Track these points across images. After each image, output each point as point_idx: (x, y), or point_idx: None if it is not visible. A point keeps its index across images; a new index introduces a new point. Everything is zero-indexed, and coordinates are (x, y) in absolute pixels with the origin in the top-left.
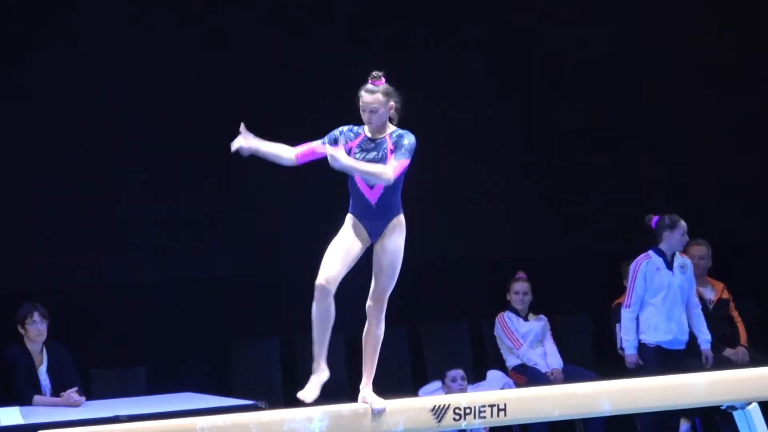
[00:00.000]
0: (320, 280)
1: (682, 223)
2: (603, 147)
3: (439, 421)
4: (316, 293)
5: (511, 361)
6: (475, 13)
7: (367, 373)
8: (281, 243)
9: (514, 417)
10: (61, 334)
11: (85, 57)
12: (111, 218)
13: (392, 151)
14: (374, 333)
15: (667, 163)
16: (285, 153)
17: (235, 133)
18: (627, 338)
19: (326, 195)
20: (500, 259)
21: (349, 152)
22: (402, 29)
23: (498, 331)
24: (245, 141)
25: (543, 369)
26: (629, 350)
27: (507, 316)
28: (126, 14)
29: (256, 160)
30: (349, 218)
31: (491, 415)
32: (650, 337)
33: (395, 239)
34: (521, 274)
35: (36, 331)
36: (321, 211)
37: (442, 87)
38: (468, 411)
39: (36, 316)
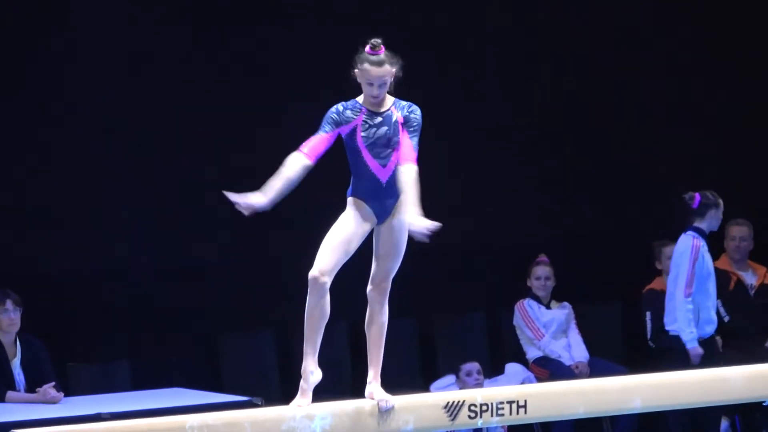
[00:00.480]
0: (314, 271)
1: (721, 201)
2: (631, 125)
3: (453, 419)
4: (310, 286)
5: (532, 353)
6: None
7: (373, 366)
8: (274, 226)
9: (535, 415)
10: (35, 324)
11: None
12: (91, 201)
13: (402, 124)
14: (378, 321)
15: (698, 141)
16: (296, 168)
17: (221, 110)
18: (690, 330)
19: (320, 177)
20: (520, 242)
21: (354, 131)
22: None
23: (517, 320)
24: (255, 203)
25: (567, 362)
26: (692, 343)
27: (527, 303)
28: None
29: (240, 141)
30: (352, 202)
31: (510, 413)
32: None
33: (400, 221)
34: (543, 257)
35: (8, 320)
36: (317, 192)
37: (465, 65)
38: (485, 408)
39: (8, 304)
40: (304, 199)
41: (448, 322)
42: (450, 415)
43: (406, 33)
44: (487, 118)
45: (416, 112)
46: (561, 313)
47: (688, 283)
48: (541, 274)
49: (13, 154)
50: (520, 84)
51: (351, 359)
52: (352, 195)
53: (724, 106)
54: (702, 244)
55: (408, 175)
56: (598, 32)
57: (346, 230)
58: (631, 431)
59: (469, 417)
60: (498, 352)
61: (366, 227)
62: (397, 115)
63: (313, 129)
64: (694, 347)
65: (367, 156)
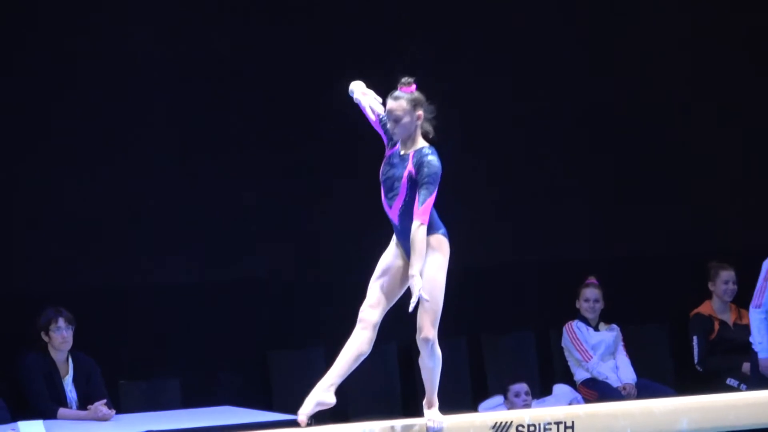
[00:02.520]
0: (362, 307)
1: None
2: (682, 145)
3: None
4: (358, 321)
5: (580, 375)
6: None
7: (426, 393)
8: (324, 242)
9: None
10: (87, 342)
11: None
12: (143, 218)
13: (410, 174)
14: (425, 365)
15: (750, 162)
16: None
17: (268, 127)
18: (759, 341)
19: (370, 191)
20: (570, 263)
21: (380, 173)
22: (458, 16)
23: (566, 341)
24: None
25: (614, 383)
26: (763, 353)
27: (576, 325)
28: None
29: (293, 156)
30: (393, 238)
31: None
32: None
33: (431, 263)
34: (592, 279)
35: (61, 338)
36: (367, 208)
37: (513, 84)
38: (532, 429)
39: (61, 321)
40: (356, 218)
41: (497, 343)
42: None
43: (458, 51)
44: (539, 139)
45: (428, 163)
46: (609, 335)
47: (756, 294)
48: (590, 296)
49: (65, 170)
50: (571, 103)
51: (401, 379)
52: None
53: None
54: None
55: (412, 232)
56: (649, 50)
57: (385, 264)
58: None
59: None
60: (546, 373)
61: (404, 262)
62: (410, 163)
63: (355, 148)
64: (764, 357)
65: (382, 192)
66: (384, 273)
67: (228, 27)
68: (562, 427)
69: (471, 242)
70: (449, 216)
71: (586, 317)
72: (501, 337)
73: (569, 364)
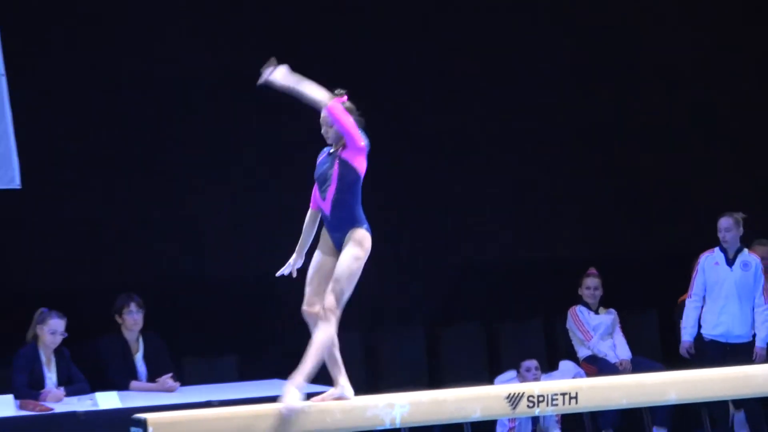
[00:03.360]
0: (303, 309)
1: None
2: (679, 146)
3: (514, 409)
4: (306, 320)
5: (582, 353)
6: (556, 8)
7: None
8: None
9: (584, 405)
10: (156, 323)
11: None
12: (203, 210)
13: (340, 160)
14: (313, 336)
15: (743, 164)
16: (312, 224)
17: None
18: (683, 326)
19: (388, 183)
20: (574, 258)
21: (317, 166)
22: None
23: (570, 323)
24: (294, 266)
25: (612, 360)
26: (683, 337)
27: (578, 309)
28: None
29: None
30: (323, 231)
31: (563, 403)
32: (704, 330)
33: (345, 252)
34: (593, 270)
35: (132, 320)
36: (379, 197)
37: (518, 83)
38: (541, 399)
39: (132, 306)
40: (375, 206)
41: (510, 326)
42: (511, 405)
43: (470, 55)
44: (544, 142)
45: None
46: (608, 318)
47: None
48: (591, 285)
49: (151, 177)
50: (575, 104)
51: (427, 357)
52: None
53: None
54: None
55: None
56: (650, 54)
57: (316, 262)
58: (668, 420)
59: (528, 406)
60: (553, 352)
61: (334, 255)
62: (338, 152)
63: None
64: (683, 340)
65: (316, 188)
66: (316, 272)
67: (258, 42)
68: (567, 397)
69: (488, 239)
70: (474, 217)
71: (587, 302)
72: (513, 320)
73: (573, 343)
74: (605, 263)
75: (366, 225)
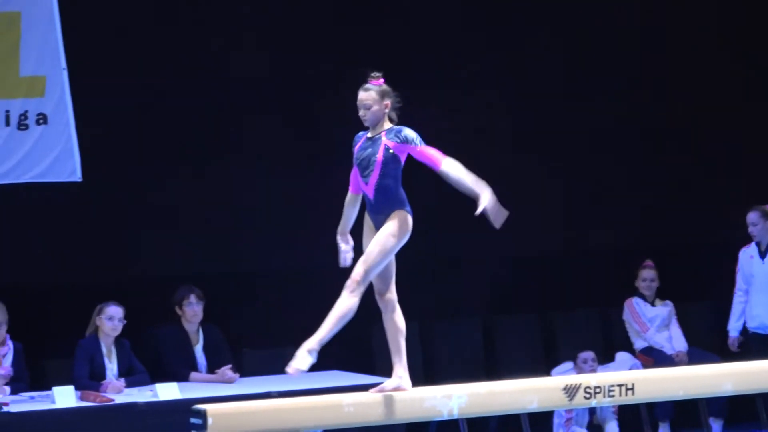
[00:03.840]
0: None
1: None
2: (733, 135)
3: (571, 400)
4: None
5: (639, 344)
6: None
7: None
8: (421, 230)
9: (641, 396)
10: (216, 315)
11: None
12: (262, 202)
13: (386, 148)
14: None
15: None
16: (352, 206)
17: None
18: (729, 320)
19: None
20: (630, 249)
21: (353, 153)
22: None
23: (626, 315)
24: (347, 248)
25: (668, 351)
26: (729, 332)
27: (635, 301)
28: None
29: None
30: (366, 219)
31: (620, 394)
32: (747, 323)
33: (383, 228)
34: (649, 262)
35: (192, 312)
36: (436, 187)
37: (566, 74)
38: (598, 390)
39: (192, 298)
40: (442, 206)
41: (567, 317)
42: (568, 396)
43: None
44: (601, 132)
45: (406, 130)
46: (664, 309)
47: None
48: (647, 276)
49: (191, 153)
50: (629, 93)
51: (483, 348)
52: None
53: None
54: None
55: (451, 170)
56: (704, 42)
57: (365, 243)
58: (724, 411)
59: (585, 398)
60: (609, 343)
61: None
62: (384, 139)
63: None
64: (730, 336)
65: (357, 173)
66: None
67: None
68: (623, 389)
69: (544, 230)
70: (529, 207)
71: (643, 294)
72: (570, 312)
73: (629, 334)
74: (662, 254)
75: (408, 207)
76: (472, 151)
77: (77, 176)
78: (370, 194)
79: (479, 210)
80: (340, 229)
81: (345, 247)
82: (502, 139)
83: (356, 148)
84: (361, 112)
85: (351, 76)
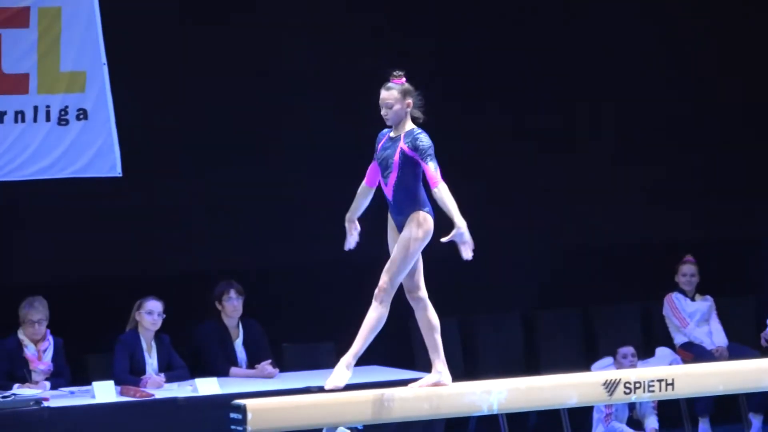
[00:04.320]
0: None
1: None
2: None
3: (611, 395)
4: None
5: (679, 339)
6: None
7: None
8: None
9: (681, 391)
10: (255, 309)
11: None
12: (301, 197)
13: (402, 151)
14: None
15: None
16: (364, 197)
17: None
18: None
19: (488, 170)
20: (670, 244)
21: (377, 152)
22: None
23: (666, 310)
24: (353, 234)
25: (708, 346)
26: None
27: (675, 296)
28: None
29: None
30: (389, 219)
31: (660, 390)
32: None
33: (404, 233)
34: (689, 257)
35: (232, 307)
36: (478, 183)
37: (620, 65)
38: (638, 385)
39: (232, 293)
40: (483, 202)
41: (607, 312)
42: (608, 391)
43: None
44: (641, 129)
45: (421, 139)
46: (704, 304)
47: None
48: (687, 272)
49: (230, 149)
50: (669, 88)
51: (523, 344)
52: None
53: None
54: None
55: (441, 195)
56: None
57: (390, 245)
58: (764, 406)
59: (625, 393)
60: (649, 338)
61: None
62: (401, 141)
63: None
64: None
65: (376, 170)
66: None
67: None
68: (663, 384)
69: (583, 225)
70: (571, 202)
71: (683, 289)
72: (610, 308)
73: (669, 329)
74: (701, 249)
75: (428, 207)
76: (518, 148)
77: (117, 171)
78: (390, 195)
79: (446, 239)
80: (348, 215)
81: (352, 233)
82: (550, 135)
83: (379, 146)
84: (383, 111)
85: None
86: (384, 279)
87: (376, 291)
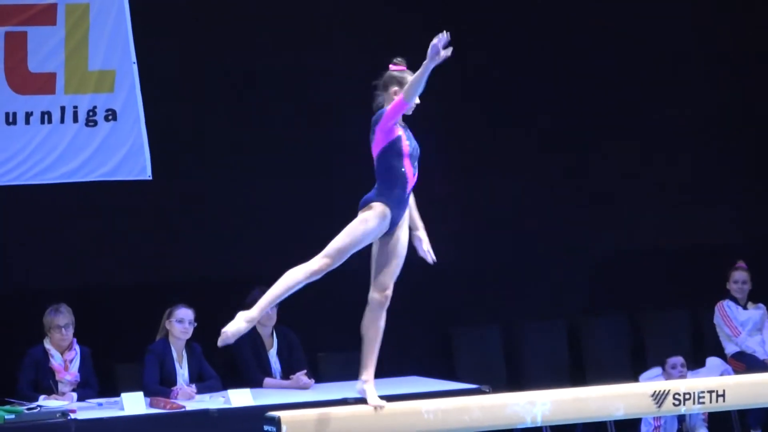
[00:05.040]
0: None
1: None
2: None
3: (659, 407)
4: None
5: (730, 349)
6: None
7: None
8: (502, 229)
9: (732, 403)
10: (290, 317)
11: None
12: (335, 203)
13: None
14: (378, 325)
15: None
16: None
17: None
18: None
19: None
20: (721, 249)
21: (398, 140)
22: None
23: (717, 319)
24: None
25: (761, 356)
26: None
27: (726, 304)
28: None
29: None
30: (381, 208)
31: (710, 401)
32: None
33: (406, 228)
34: (741, 263)
35: (266, 315)
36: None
37: (660, 75)
38: (687, 397)
39: None
40: (526, 206)
41: (655, 320)
42: (656, 403)
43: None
44: (690, 131)
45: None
46: (756, 313)
47: None
48: (739, 278)
49: (257, 153)
50: (717, 89)
51: (569, 352)
52: (384, 201)
53: None
54: None
55: (407, 91)
56: None
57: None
58: None
59: (674, 404)
60: (700, 348)
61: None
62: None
63: None
64: None
65: (408, 165)
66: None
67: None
68: (714, 395)
69: (630, 230)
70: (616, 206)
71: (735, 297)
72: (659, 315)
73: (720, 338)
74: (754, 255)
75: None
76: (563, 150)
77: (147, 174)
78: (413, 185)
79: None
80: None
81: (422, 244)
82: (593, 136)
83: (398, 135)
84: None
85: None
86: (391, 287)
87: (385, 299)
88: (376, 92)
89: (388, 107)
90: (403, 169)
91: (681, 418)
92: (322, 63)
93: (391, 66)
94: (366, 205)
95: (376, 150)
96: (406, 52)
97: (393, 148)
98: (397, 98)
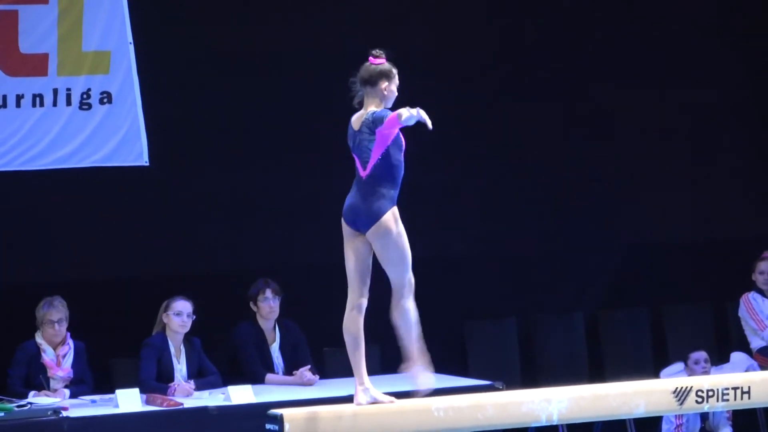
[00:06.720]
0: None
1: None
2: None
3: (681, 404)
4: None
5: (756, 343)
6: None
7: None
8: (518, 220)
9: (758, 400)
10: (294, 311)
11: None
12: (337, 195)
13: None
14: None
15: None
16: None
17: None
18: None
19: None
20: (746, 239)
21: (399, 138)
22: None
23: (742, 312)
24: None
25: None
26: None
27: (752, 296)
28: None
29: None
30: (397, 212)
31: (735, 398)
32: None
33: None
34: (767, 254)
35: (268, 308)
36: (540, 181)
37: (669, 65)
38: (711, 394)
39: (268, 292)
40: (543, 198)
41: (677, 314)
42: (678, 400)
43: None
44: (706, 122)
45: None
46: None
47: None
48: (765, 269)
49: (260, 143)
50: (732, 84)
51: (587, 346)
52: (394, 205)
53: None
54: None
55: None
56: None
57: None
58: None
59: (696, 402)
60: (724, 342)
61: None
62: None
63: None
64: None
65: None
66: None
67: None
68: (739, 392)
69: (651, 221)
70: (640, 197)
71: (761, 289)
72: (681, 309)
73: (745, 332)
74: None
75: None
76: (579, 142)
77: (144, 160)
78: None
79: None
80: None
81: None
82: (614, 128)
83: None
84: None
85: None
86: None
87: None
88: (356, 87)
89: (387, 114)
90: (402, 162)
91: (704, 416)
92: (327, 49)
93: (371, 59)
94: (385, 214)
95: (380, 149)
96: (406, 53)
97: (396, 143)
98: (393, 115)
